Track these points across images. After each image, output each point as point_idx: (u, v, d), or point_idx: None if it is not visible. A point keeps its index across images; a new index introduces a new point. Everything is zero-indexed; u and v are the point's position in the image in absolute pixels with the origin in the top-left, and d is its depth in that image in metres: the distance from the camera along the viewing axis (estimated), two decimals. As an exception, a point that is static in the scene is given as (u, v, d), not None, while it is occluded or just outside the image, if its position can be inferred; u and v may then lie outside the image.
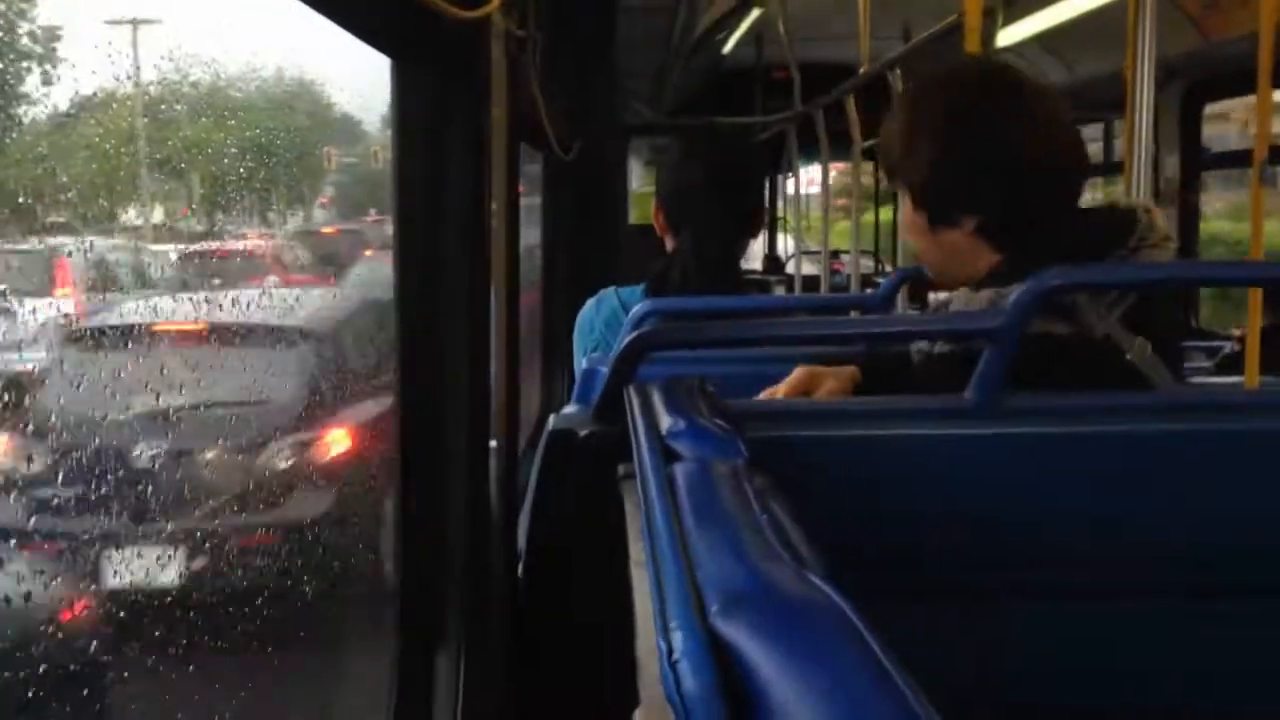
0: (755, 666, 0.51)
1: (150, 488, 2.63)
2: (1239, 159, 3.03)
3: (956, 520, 1.18)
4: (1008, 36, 4.60)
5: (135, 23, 2.24)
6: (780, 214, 11.01)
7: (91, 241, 2.34)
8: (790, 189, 7.52)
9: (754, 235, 2.43)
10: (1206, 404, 1.23)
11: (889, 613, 0.56)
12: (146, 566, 2.58)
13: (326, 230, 6.06)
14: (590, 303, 2.38)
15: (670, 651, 0.55)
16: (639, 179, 8.98)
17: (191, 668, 2.22)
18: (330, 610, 2.98)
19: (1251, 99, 2.73)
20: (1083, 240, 1.44)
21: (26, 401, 2.36)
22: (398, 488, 1.62)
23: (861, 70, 4.56)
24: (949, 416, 1.20)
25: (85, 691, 2.03)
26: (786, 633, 0.53)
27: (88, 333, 2.72)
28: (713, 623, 0.55)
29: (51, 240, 2.29)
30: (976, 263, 1.51)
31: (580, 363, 2.26)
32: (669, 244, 2.32)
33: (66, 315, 2.55)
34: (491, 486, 1.76)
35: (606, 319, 2.31)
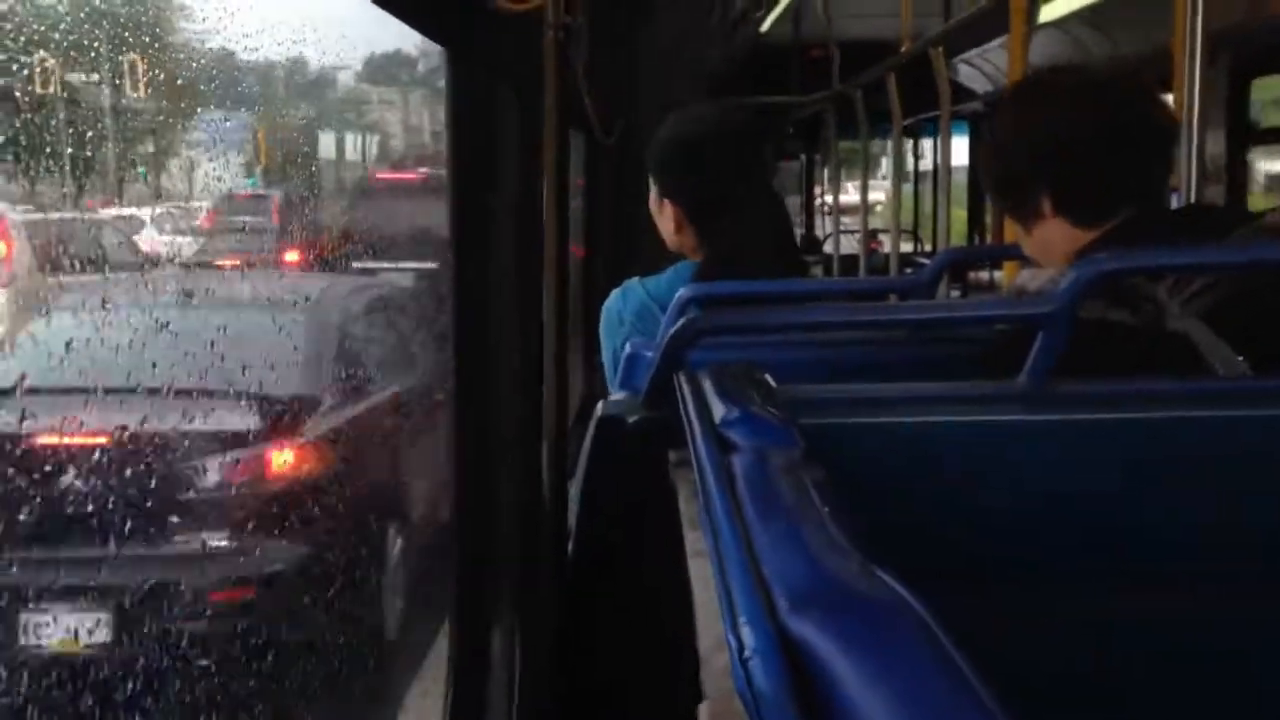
0: (828, 665, 0.52)
1: None
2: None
3: (1009, 507, 1.18)
4: (1051, 11, 4.54)
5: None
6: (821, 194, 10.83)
7: None
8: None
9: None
10: (1264, 390, 1.21)
11: (943, 602, 0.57)
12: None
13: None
14: (615, 295, 2.35)
15: (741, 648, 0.55)
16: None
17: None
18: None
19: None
20: (1192, 225, 1.41)
21: None
22: (451, 471, 1.64)
23: (903, 48, 4.52)
24: (1003, 402, 1.20)
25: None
26: (859, 632, 0.53)
27: None
28: (783, 620, 0.56)
29: None
30: (1067, 249, 1.48)
31: (608, 357, 2.24)
32: (678, 238, 2.28)
33: None
34: (542, 470, 1.77)
35: (636, 310, 2.28)
